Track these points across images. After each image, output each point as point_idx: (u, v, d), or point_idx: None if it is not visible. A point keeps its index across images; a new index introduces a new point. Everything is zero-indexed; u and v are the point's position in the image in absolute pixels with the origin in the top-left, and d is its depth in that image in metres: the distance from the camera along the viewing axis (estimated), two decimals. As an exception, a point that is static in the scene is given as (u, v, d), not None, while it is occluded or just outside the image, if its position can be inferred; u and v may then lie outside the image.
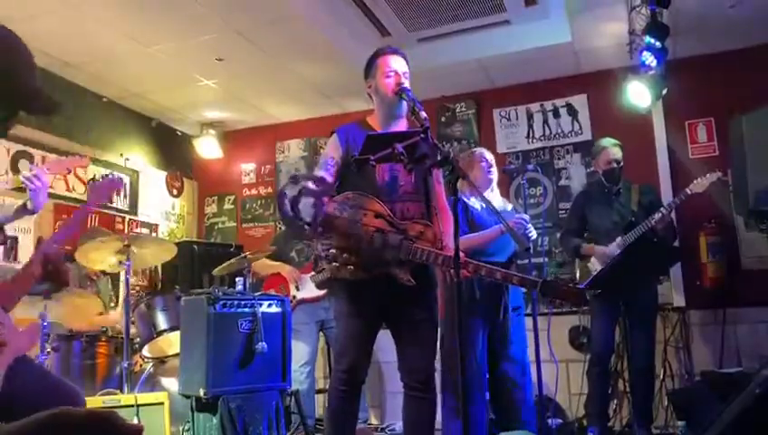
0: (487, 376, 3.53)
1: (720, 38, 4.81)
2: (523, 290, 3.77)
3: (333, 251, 2.51)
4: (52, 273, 1.92)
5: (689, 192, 3.78)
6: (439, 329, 3.14)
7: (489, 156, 3.77)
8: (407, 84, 2.67)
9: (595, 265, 3.99)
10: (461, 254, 2.21)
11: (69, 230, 2.12)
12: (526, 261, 3.97)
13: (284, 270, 4.57)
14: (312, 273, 4.35)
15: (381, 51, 2.79)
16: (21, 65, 1.68)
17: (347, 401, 2.64)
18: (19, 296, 1.85)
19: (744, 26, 4.59)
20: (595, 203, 4.15)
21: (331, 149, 2.71)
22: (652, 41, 4.04)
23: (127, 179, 5.80)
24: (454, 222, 2.29)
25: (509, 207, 3.81)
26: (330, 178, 2.64)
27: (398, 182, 2.63)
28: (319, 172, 2.67)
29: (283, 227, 6.06)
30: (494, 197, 3.75)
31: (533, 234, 3.49)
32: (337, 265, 2.50)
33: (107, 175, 2.56)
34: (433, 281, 2.69)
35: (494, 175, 3.71)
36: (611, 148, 4.10)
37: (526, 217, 3.49)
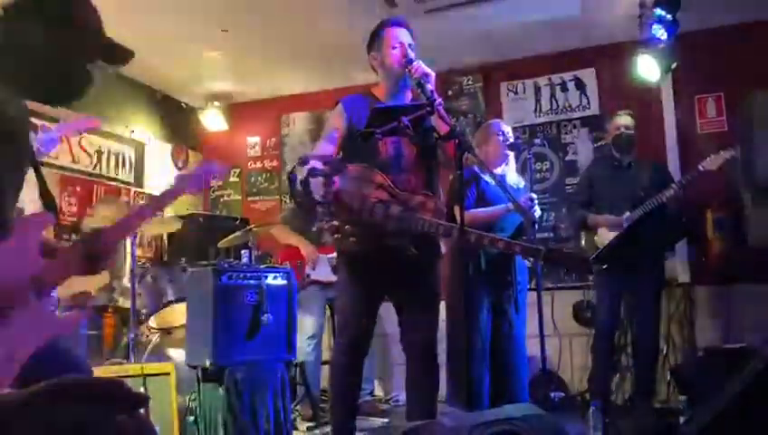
0: (489, 349, 3.55)
1: (731, 11, 4.73)
2: (528, 265, 3.78)
3: (336, 223, 2.51)
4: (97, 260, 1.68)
5: (702, 169, 3.73)
6: (444, 301, 3.16)
7: (506, 128, 3.73)
8: (413, 56, 2.64)
9: (603, 238, 3.97)
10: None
11: (133, 220, 1.86)
12: (531, 237, 3.96)
13: (304, 247, 4.53)
14: (330, 255, 4.38)
15: (386, 22, 2.76)
16: (92, 18, 1.69)
17: (350, 372, 2.67)
18: (62, 282, 1.62)
19: (757, -1, 4.52)
20: (605, 176, 4.12)
21: (335, 120, 2.70)
22: (663, 13, 3.98)
23: (132, 152, 5.80)
24: (460, 195, 2.29)
25: (522, 183, 3.78)
26: (333, 150, 2.64)
27: (402, 154, 2.62)
28: (322, 143, 2.67)
29: (289, 203, 6.07)
30: (510, 171, 3.72)
31: (538, 212, 3.48)
32: (339, 237, 2.51)
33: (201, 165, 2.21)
34: (435, 253, 2.69)
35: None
36: (621, 116, 4.06)
37: (533, 195, 3.48)
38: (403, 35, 2.69)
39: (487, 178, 3.58)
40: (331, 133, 2.68)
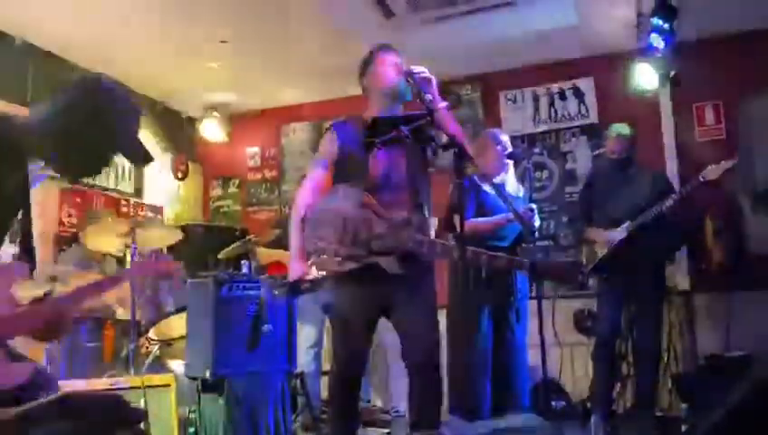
0: (491, 359, 3.55)
1: (729, 19, 4.75)
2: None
3: (321, 244, 2.52)
4: (54, 326, 1.76)
5: (702, 179, 3.72)
6: (445, 309, 3.16)
7: (505, 138, 3.74)
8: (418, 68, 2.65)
9: (603, 249, 3.97)
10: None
11: (89, 291, 1.96)
12: (531, 245, 3.96)
13: (283, 257, 4.55)
14: (313, 258, 4.38)
15: (376, 50, 2.80)
16: (125, 121, 1.75)
17: (346, 393, 2.67)
18: (17, 335, 1.68)
19: (754, 7, 4.53)
20: (605, 187, 4.12)
21: (327, 146, 2.74)
22: (660, 22, 4.00)
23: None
24: (460, 205, 2.29)
25: (521, 191, 3.79)
26: (325, 175, 2.71)
27: (392, 172, 2.63)
28: (316, 170, 2.73)
29: (288, 211, 6.07)
30: (509, 180, 3.72)
31: (537, 222, 3.50)
32: (325, 257, 2.51)
33: (157, 253, 2.26)
34: (425, 266, 2.68)
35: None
36: (615, 137, 4.05)
37: (533, 206, 3.48)
38: (394, 57, 2.73)
39: (487, 187, 3.58)
40: (323, 160, 2.74)
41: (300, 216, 2.67)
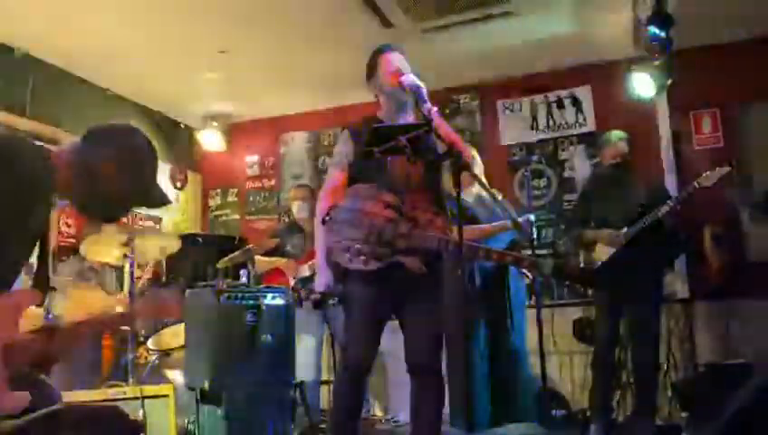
0: (488, 367, 3.54)
1: (726, 28, 4.77)
2: (526, 281, 3.78)
3: (345, 242, 2.53)
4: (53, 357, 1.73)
5: (697, 186, 3.73)
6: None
7: (472, 151, 3.76)
8: (409, 77, 2.66)
9: (600, 255, 3.97)
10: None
11: (93, 326, 1.97)
12: (529, 252, 3.97)
13: (281, 264, 4.57)
14: (311, 262, 4.38)
15: (379, 50, 2.82)
16: (151, 175, 1.79)
17: (353, 391, 2.66)
18: (20, 364, 1.72)
19: (751, 16, 4.55)
20: (602, 194, 4.12)
21: (343, 147, 2.77)
22: (657, 31, 4.01)
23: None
24: (461, 215, 2.31)
25: (500, 196, 3.82)
26: (343, 177, 2.72)
27: (409, 173, 2.64)
28: (334, 172, 2.76)
29: (286, 220, 6.08)
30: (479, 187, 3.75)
31: (534, 234, 3.51)
32: (349, 256, 2.52)
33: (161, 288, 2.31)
34: (441, 271, 2.70)
35: (477, 168, 3.70)
36: (617, 143, 4.07)
37: (531, 217, 3.49)
38: (397, 59, 2.74)
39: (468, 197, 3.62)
40: (339, 162, 2.76)
41: (322, 221, 2.67)
